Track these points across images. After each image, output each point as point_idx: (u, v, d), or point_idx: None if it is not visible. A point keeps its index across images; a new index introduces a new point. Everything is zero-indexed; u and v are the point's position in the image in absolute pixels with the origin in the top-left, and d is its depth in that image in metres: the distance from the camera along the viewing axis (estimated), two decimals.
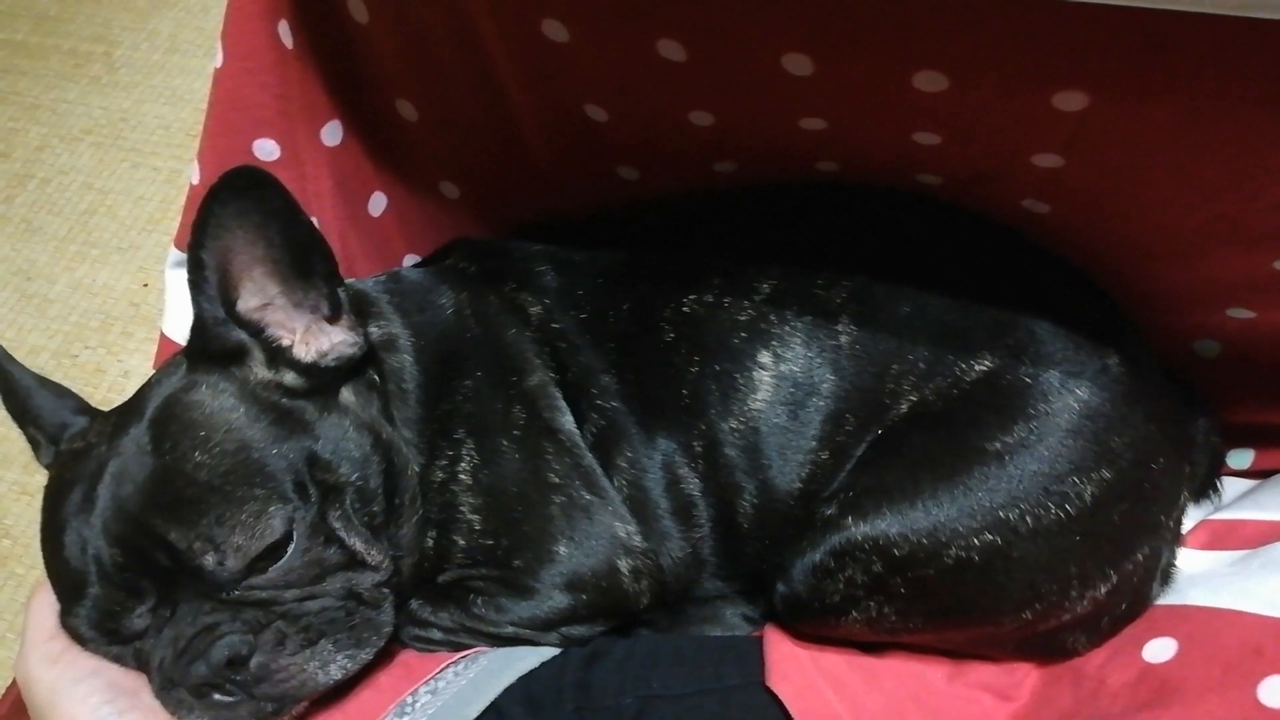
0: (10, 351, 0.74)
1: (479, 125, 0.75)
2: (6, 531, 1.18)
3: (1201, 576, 0.69)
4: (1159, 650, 0.65)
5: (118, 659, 0.61)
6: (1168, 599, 0.69)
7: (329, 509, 0.63)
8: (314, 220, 0.77)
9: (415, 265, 0.87)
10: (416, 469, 0.69)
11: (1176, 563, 0.71)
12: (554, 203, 0.82)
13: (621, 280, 0.75)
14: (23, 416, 0.70)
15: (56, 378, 0.74)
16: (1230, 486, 0.75)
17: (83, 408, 0.71)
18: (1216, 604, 0.65)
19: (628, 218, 0.83)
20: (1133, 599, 0.68)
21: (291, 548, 0.61)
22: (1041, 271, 0.71)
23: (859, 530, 0.64)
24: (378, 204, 0.84)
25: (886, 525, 0.63)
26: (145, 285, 1.41)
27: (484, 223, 0.85)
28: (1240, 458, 0.75)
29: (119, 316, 1.36)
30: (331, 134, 0.77)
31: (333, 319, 0.67)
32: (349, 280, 0.76)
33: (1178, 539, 0.71)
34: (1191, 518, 0.73)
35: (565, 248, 0.80)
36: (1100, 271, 0.71)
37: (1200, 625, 0.64)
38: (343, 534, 0.63)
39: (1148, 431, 0.65)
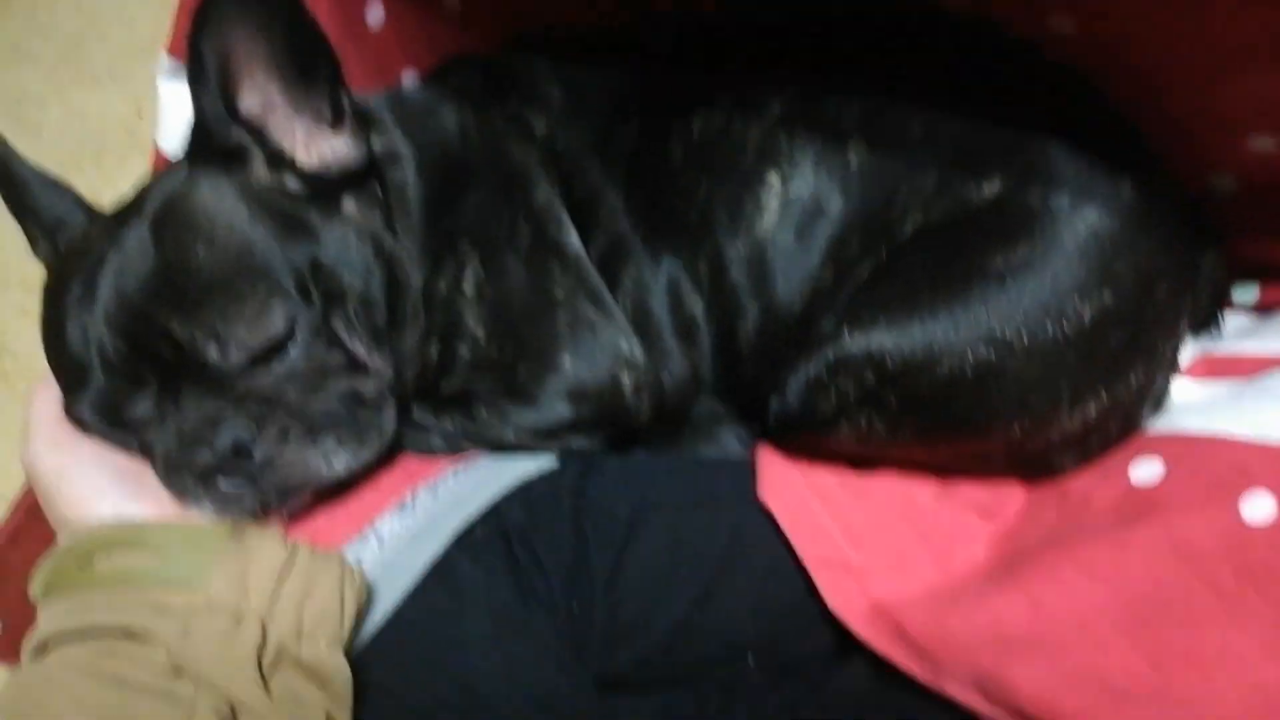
0: None
1: None
2: (7, 348, 1.18)
3: (1196, 404, 0.69)
4: (1146, 471, 0.66)
5: (122, 446, 0.63)
6: (1160, 425, 0.69)
7: (332, 313, 0.63)
8: None
9: (417, 84, 0.85)
10: (419, 282, 0.69)
11: (1171, 392, 0.71)
12: (559, 12, 0.79)
13: (630, 99, 0.73)
14: (20, 209, 0.70)
15: None
16: (1232, 321, 0.75)
17: (81, 205, 0.70)
18: (1208, 429, 0.66)
19: (637, 35, 0.80)
20: (1124, 421, 0.68)
21: (293, 345, 0.61)
22: (1061, 93, 0.68)
23: (854, 342, 0.64)
24: (376, 15, 0.81)
25: (881, 337, 0.63)
26: (139, 114, 1.38)
27: (486, 37, 0.82)
28: (1245, 293, 0.75)
29: (114, 144, 1.34)
30: None
31: (335, 125, 0.66)
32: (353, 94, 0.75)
33: (1174, 368, 0.71)
34: (1191, 351, 0.73)
35: (572, 65, 0.78)
36: (1122, 99, 0.68)
37: (1189, 448, 0.65)
38: (345, 339, 0.63)
39: (1153, 258, 0.64)
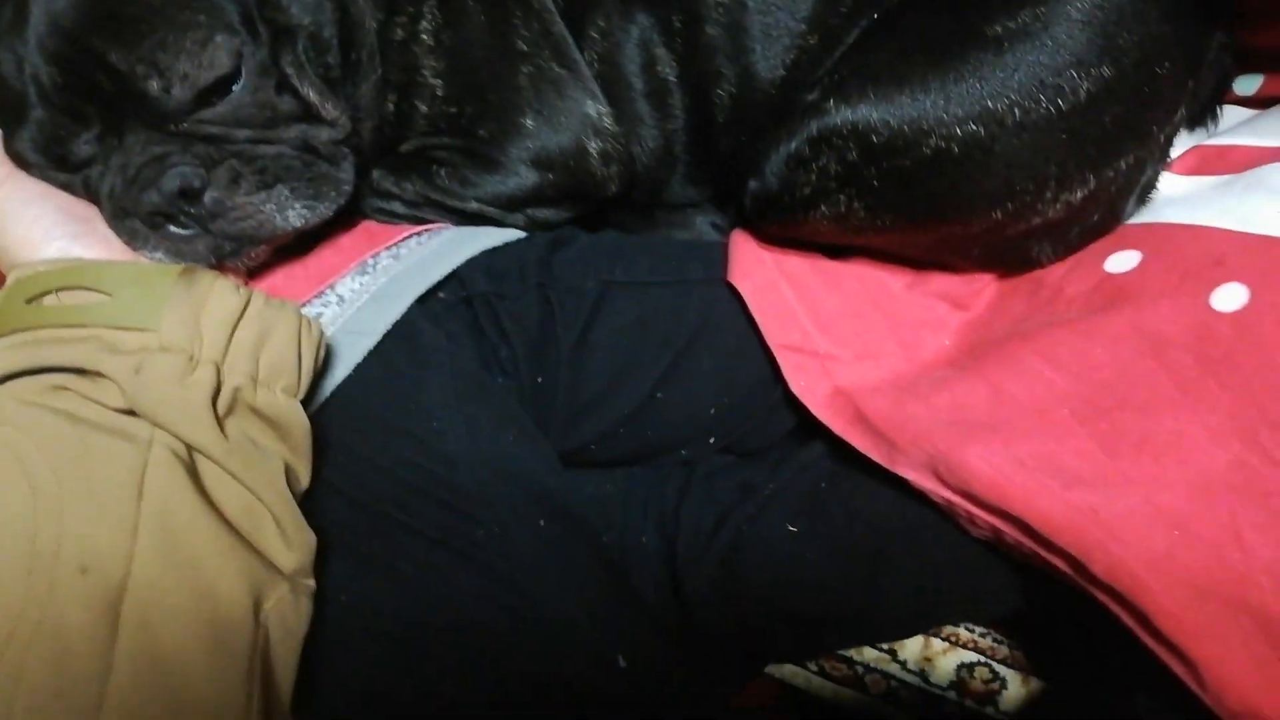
0: None
1: None
2: None
3: (1181, 197, 0.67)
4: (1121, 261, 0.65)
5: (66, 187, 0.60)
6: (1142, 217, 0.68)
7: (281, 52, 0.59)
8: None
9: None
10: (375, 24, 0.65)
11: (1159, 185, 0.69)
12: None
13: None
14: None
15: None
16: (1230, 115, 0.72)
17: None
18: (1191, 220, 0.64)
19: None
20: (1107, 210, 0.67)
21: (240, 84, 0.58)
22: None
23: (839, 115, 0.61)
24: None
25: (869, 110, 0.60)
26: None
27: None
28: (1248, 83, 0.71)
29: None
30: None
31: None
32: None
33: (1165, 158, 0.69)
34: (1183, 143, 0.71)
35: None
36: None
37: (1167, 239, 0.64)
38: (295, 81, 0.60)
39: (1160, 32, 0.60)
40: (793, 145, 0.63)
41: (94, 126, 0.57)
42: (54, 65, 0.55)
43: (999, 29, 0.59)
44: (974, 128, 0.59)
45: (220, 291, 0.55)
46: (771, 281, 0.71)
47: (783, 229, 0.70)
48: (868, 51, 0.62)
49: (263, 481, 0.54)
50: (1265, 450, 0.53)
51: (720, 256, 0.73)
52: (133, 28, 0.54)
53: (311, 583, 0.55)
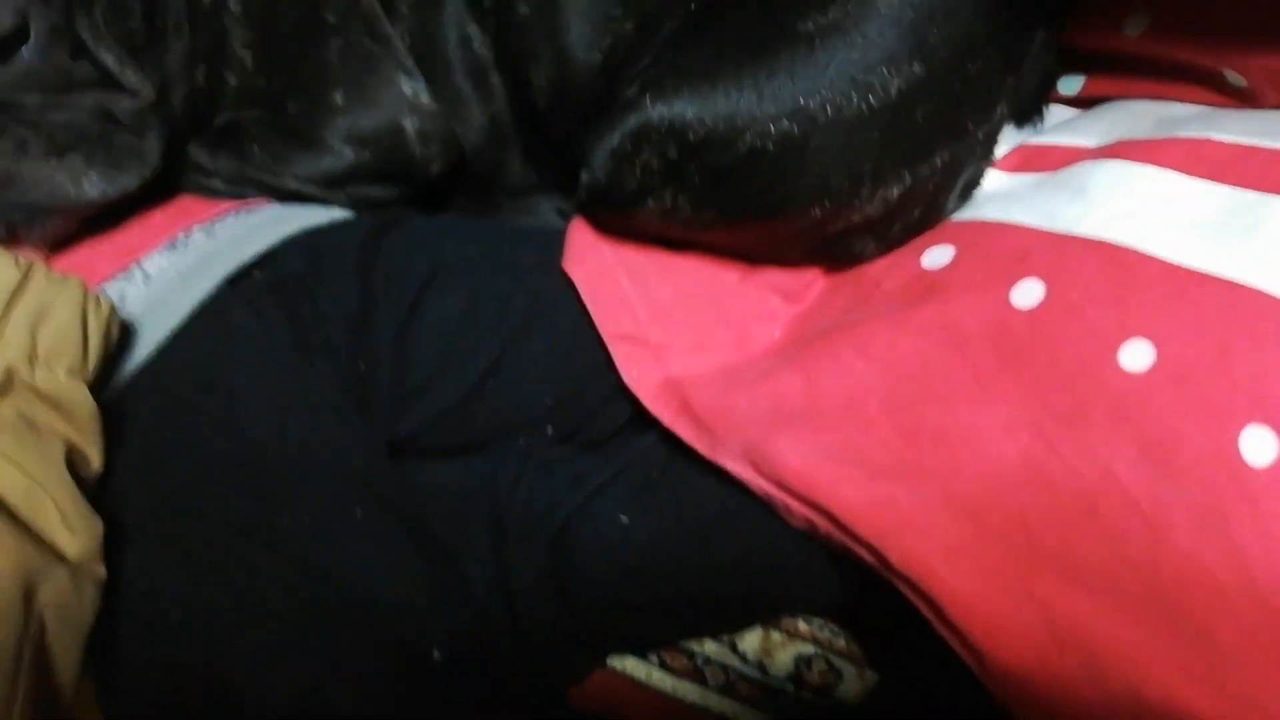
0: None
1: None
2: None
3: (999, 195, 0.69)
4: (937, 256, 0.66)
5: None
6: (962, 214, 0.69)
7: (75, 15, 0.57)
8: None
9: None
10: None
11: (983, 182, 0.71)
12: None
13: None
14: None
15: None
16: (1055, 114, 0.74)
17: None
18: (1004, 218, 0.65)
19: None
20: (926, 207, 0.68)
21: (27, 48, 0.55)
22: None
23: (656, 111, 0.61)
24: None
25: (684, 107, 0.60)
26: None
27: None
28: (1070, 83, 0.73)
29: None
30: None
31: None
32: None
33: (987, 156, 0.70)
34: (1010, 141, 0.72)
35: None
36: None
37: (980, 235, 0.65)
38: (92, 46, 0.57)
39: (972, 30, 0.61)
40: (615, 140, 0.63)
41: None
42: None
43: (811, 25, 0.59)
44: (788, 125, 0.59)
45: None
46: (606, 269, 0.71)
47: (616, 221, 0.70)
48: (684, 48, 0.62)
49: (41, 465, 0.52)
50: (1050, 442, 0.55)
51: (558, 243, 0.72)
52: None
53: (101, 570, 0.54)
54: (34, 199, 0.58)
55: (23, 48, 0.55)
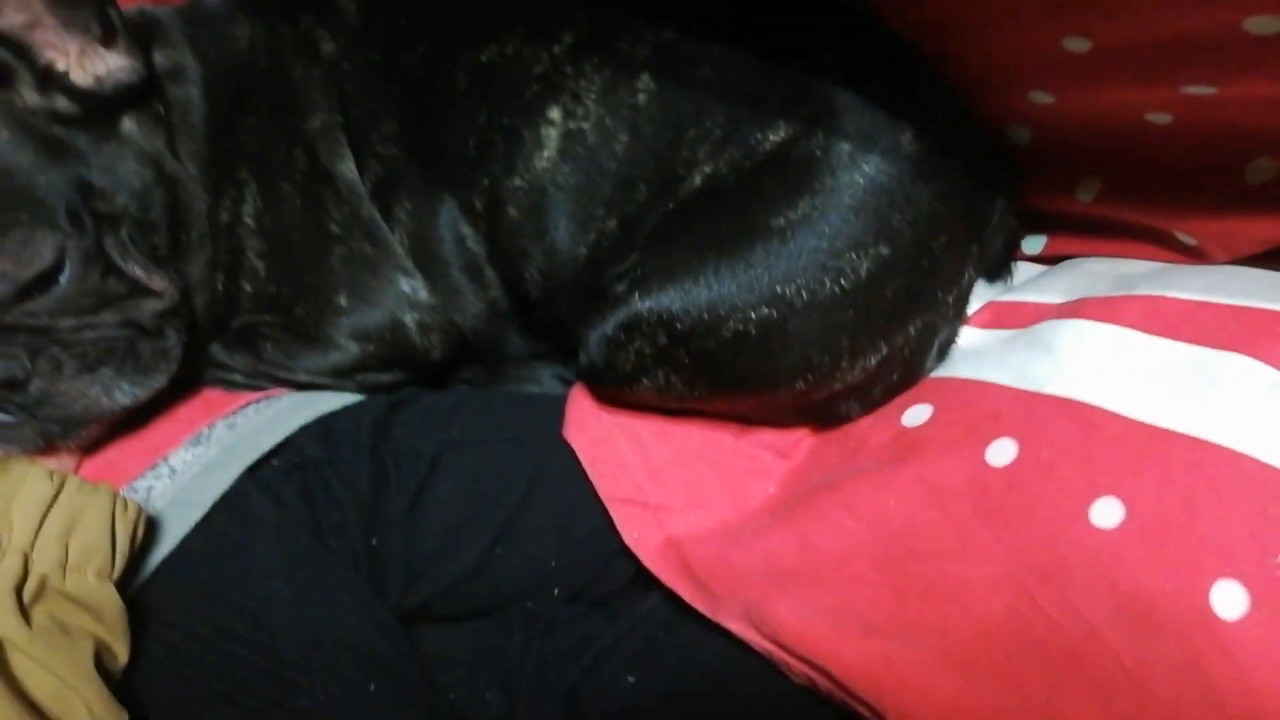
0: None
1: None
2: None
3: (973, 352, 0.72)
4: (916, 415, 0.69)
5: None
6: (940, 372, 0.73)
7: (105, 238, 0.62)
8: None
9: None
10: (204, 207, 0.69)
11: (958, 339, 0.74)
12: None
13: (424, 19, 0.72)
14: None
15: None
16: (1024, 270, 0.78)
17: None
18: (977, 376, 0.69)
19: None
20: (904, 370, 0.71)
21: (64, 276, 0.61)
22: (855, 40, 0.69)
23: (644, 305, 0.65)
24: None
25: (669, 301, 0.65)
26: None
27: None
28: (1034, 243, 0.77)
29: None
30: None
31: (107, 42, 0.64)
32: (144, 5, 0.73)
33: (960, 316, 0.74)
34: (982, 298, 0.76)
35: None
36: (919, 42, 0.69)
37: (956, 394, 0.69)
38: (120, 262, 0.63)
39: (933, 210, 0.66)
40: (608, 329, 0.67)
41: None
42: None
43: (781, 220, 0.63)
44: (767, 310, 0.64)
45: (33, 480, 0.57)
46: (606, 435, 0.74)
47: (615, 395, 0.74)
48: (666, 244, 0.67)
49: (71, 667, 0.55)
50: (1033, 599, 0.57)
51: (559, 411, 0.76)
52: None
53: None
54: (70, 413, 0.62)
55: (60, 277, 0.60)
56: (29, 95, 0.62)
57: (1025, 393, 0.64)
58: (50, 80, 0.62)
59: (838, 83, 0.66)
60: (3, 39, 0.61)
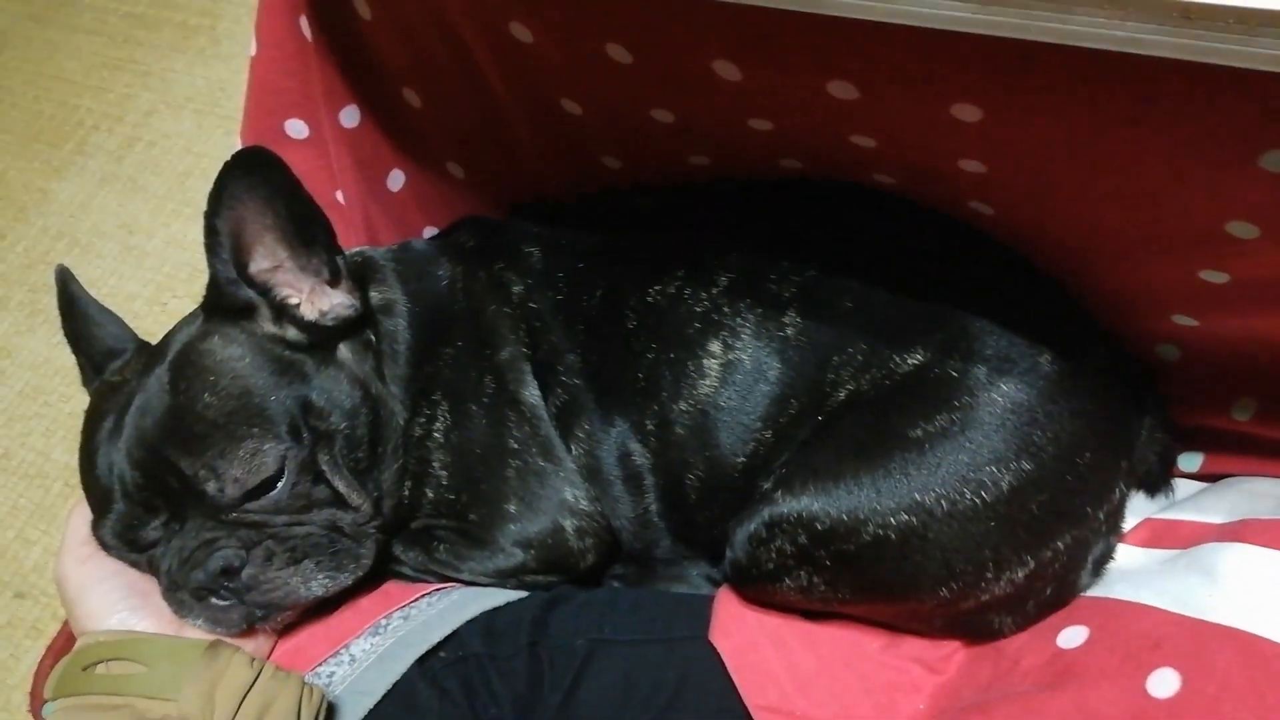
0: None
1: (472, 114, 0.82)
2: None
3: (1131, 571, 0.71)
4: (1071, 636, 0.68)
5: (135, 565, 0.72)
6: (1095, 590, 0.71)
7: (319, 451, 0.71)
8: (338, 194, 0.86)
9: (429, 238, 0.95)
10: (400, 423, 0.78)
11: (1115, 556, 0.73)
12: (548, 186, 0.88)
13: (598, 265, 0.81)
14: (77, 339, 0.81)
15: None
16: (1183, 488, 0.76)
17: (130, 336, 0.81)
18: (1135, 599, 0.67)
19: (620, 203, 0.89)
20: (1057, 585, 0.71)
21: (282, 482, 0.70)
22: (990, 267, 0.73)
23: (786, 504, 0.69)
24: (396, 180, 0.92)
25: (810, 501, 0.68)
26: None
27: (489, 201, 0.93)
28: (1190, 461, 0.76)
29: (205, 269, 1.49)
30: (350, 117, 0.85)
31: (333, 283, 0.75)
32: (365, 248, 0.85)
33: (1114, 531, 0.73)
34: (1139, 514, 0.75)
35: (557, 229, 0.86)
36: (1058, 272, 0.73)
37: (1113, 617, 0.67)
38: (329, 475, 0.71)
39: (1075, 427, 0.67)
40: (752, 527, 0.71)
41: (162, 515, 0.70)
42: (136, 469, 0.69)
43: (920, 431, 0.67)
44: (906, 517, 0.66)
45: (236, 665, 0.64)
46: (752, 640, 0.76)
47: (759, 595, 0.76)
48: (812, 449, 0.71)
49: None
50: None
51: (706, 613, 0.78)
52: (200, 441, 0.68)
53: None
54: (272, 599, 0.70)
55: (279, 483, 0.69)
56: (266, 325, 0.73)
57: (1188, 619, 0.62)
58: (284, 313, 0.73)
59: (974, 308, 0.70)
60: (250, 280, 0.73)
